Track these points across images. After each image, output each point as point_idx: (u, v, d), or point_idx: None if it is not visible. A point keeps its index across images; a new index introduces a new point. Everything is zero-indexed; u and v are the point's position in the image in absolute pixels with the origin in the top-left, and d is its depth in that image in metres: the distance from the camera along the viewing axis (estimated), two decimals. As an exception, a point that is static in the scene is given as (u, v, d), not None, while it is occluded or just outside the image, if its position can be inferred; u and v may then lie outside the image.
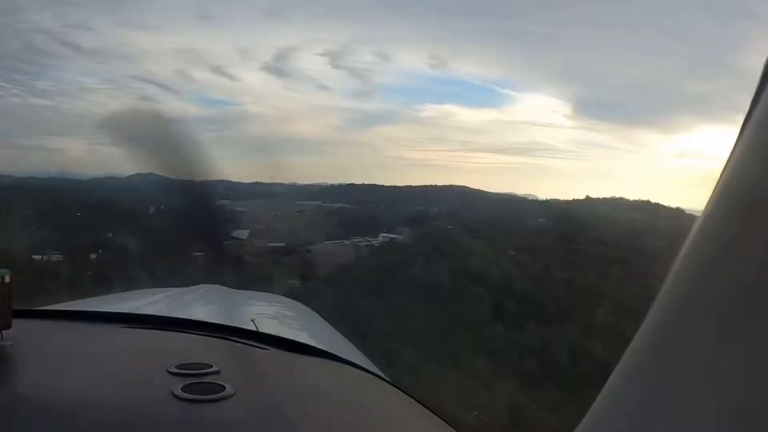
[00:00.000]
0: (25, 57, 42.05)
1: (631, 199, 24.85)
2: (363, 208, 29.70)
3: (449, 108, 45.85)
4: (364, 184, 31.30)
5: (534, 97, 46.72)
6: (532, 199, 29.07)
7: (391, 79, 48.29)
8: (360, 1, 46.95)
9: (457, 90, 54.68)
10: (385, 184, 31.79)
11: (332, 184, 31.56)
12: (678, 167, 38.01)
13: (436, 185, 30.53)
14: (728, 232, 0.41)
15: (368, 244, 26.09)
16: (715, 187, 0.44)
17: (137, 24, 42.50)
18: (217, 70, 45.70)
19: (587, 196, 26.81)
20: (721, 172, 0.44)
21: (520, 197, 29.46)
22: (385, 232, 26.57)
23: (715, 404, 0.37)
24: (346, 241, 26.91)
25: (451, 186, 30.44)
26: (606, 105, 42.51)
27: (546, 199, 28.62)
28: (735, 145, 0.44)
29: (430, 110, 43.99)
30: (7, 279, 1.01)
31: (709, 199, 0.44)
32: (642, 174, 40.59)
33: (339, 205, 30.50)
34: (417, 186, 30.98)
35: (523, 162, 42.63)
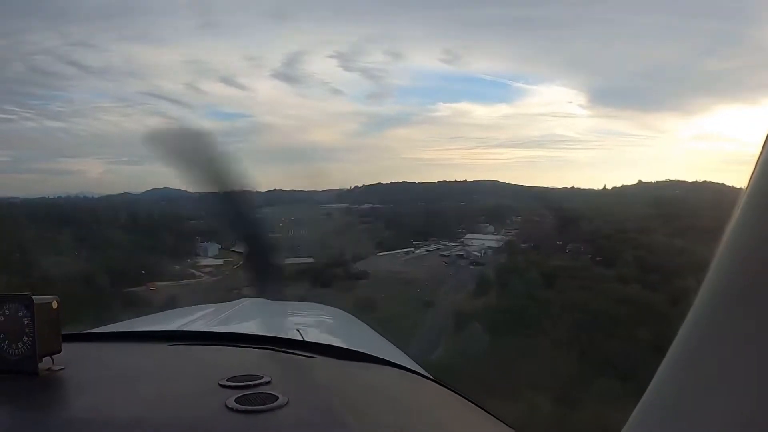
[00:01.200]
0: (35, 80, 41.62)
1: (690, 180, 23.05)
2: (397, 206, 25.53)
3: (463, 106, 44.95)
4: (392, 182, 28.42)
5: (548, 88, 45.20)
6: (569, 189, 26.79)
7: (403, 80, 47.28)
8: (366, -2, 45.28)
9: (471, 87, 54.28)
10: (417, 182, 29.23)
11: (355, 186, 27.49)
12: (698, 150, 38.14)
13: (466, 180, 28.57)
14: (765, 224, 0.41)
15: (446, 254, 20.50)
16: (750, 178, 0.43)
17: (141, 38, 42.46)
18: (227, 80, 45.89)
19: (639, 180, 25.05)
20: (755, 162, 0.43)
21: (556, 189, 27.14)
22: (463, 232, 20.81)
23: (751, 402, 0.38)
24: (412, 251, 21.48)
25: (483, 181, 28.76)
26: (621, 91, 40.91)
27: (585, 189, 26.51)
28: None
29: (444, 109, 42.69)
30: (55, 305, 1.05)
31: (745, 191, 0.43)
32: (666, 158, 40.60)
33: (368, 206, 25.56)
34: (450, 182, 28.55)
35: (542, 155, 41.43)
